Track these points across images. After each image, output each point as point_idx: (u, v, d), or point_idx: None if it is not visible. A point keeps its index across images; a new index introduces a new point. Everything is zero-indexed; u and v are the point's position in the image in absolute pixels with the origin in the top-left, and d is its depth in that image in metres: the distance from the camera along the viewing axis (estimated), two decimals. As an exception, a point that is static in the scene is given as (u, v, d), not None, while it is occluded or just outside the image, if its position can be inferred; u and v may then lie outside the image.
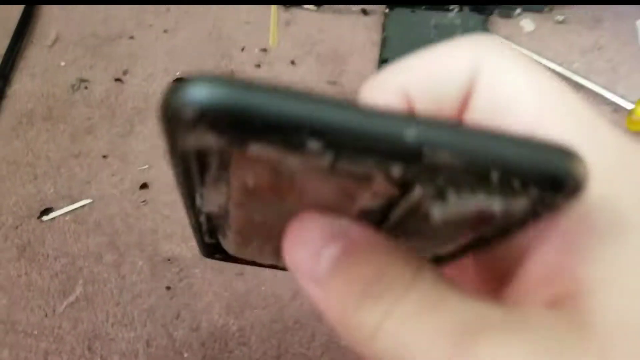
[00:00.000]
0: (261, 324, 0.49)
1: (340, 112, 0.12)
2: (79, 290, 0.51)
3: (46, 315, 0.49)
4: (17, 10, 0.70)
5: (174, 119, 0.12)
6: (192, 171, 0.14)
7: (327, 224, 0.17)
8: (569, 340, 0.14)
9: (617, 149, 0.16)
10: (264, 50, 0.70)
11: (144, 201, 0.56)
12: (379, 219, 0.17)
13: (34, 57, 0.67)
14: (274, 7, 0.74)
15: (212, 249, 0.21)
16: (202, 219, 0.18)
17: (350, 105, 0.12)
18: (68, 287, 0.51)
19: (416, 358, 0.15)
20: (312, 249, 0.17)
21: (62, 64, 0.67)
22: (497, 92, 0.18)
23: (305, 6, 0.75)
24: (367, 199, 0.16)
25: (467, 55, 0.18)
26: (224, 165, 0.14)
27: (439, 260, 0.20)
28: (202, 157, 0.13)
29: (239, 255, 0.22)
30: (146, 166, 0.59)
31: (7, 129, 0.60)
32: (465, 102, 0.18)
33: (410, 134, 0.12)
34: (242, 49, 0.70)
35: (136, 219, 0.55)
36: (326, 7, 0.75)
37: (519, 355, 0.14)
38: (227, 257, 0.22)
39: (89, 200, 0.56)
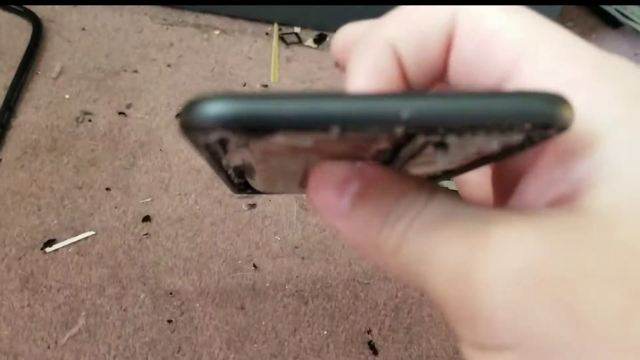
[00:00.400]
0: (261, 359, 0.50)
1: (346, 102, 0.14)
2: (81, 322, 0.51)
3: (49, 347, 0.49)
4: (23, 42, 0.71)
5: (193, 128, 0.14)
6: (215, 151, 0.16)
7: (345, 168, 0.19)
8: (571, 222, 0.16)
9: (596, 63, 0.18)
10: (265, 86, 0.71)
11: (146, 234, 0.57)
12: (389, 158, 0.19)
13: (39, 89, 0.68)
14: (275, 44, 0.75)
15: (243, 187, 0.24)
16: (230, 172, 0.20)
17: (352, 96, 0.15)
18: (70, 319, 0.51)
19: (436, 262, 0.17)
20: (334, 189, 0.19)
21: (67, 96, 0.68)
22: (479, 27, 0.19)
23: (306, 43, 0.76)
24: (374, 149, 0.18)
25: (447, 5, 0.20)
26: (244, 144, 0.16)
27: (448, 174, 0.22)
28: (222, 143, 0.15)
29: (267, 190, 0.25)
30: (149, 199, 0.60)
31: (11, 160, 0.61)
32: (449, 44, 0.20)
33: (405, 113, 0.14)
34: (244, 85, 0.71)
35: (138, 251, 0.56)
36: (326, 44, 0.77)
37: (529, 237, 0.16)
38: (255, 191, 0.25)
39: (92, 232, 0.57)
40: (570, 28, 0.75)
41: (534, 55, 0.18)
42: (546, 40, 0.18)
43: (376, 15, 0.21)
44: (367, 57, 0.20)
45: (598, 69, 0.18)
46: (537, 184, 0.18)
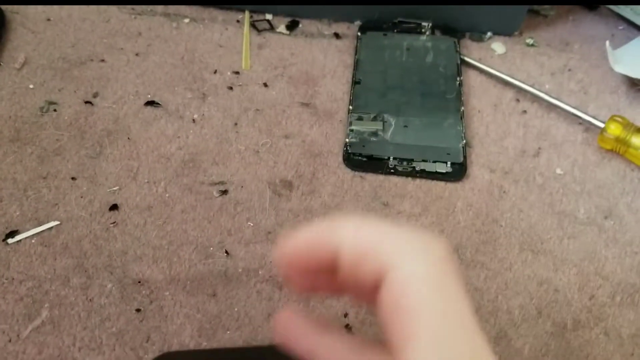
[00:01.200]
0: (234, 345, 0.48)
1: None
2: (44, 314, 0.49)
3: (10, 341, 0.47)
4: (-15, 34, 0.69)
5: None
6: None
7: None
8: None
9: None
10: (237, 73, 0.70)
11: (113, 223, 0.55)
12: None
13: (2, 80, 0.66)
14: (246, 31, 0.74)
15: None
16: None
17: None
18: (33, 311, 0.49)
19: None
20: None
21: (31, 86, 0.66)
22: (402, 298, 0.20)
23: (278, 30, 0.75)
24: None
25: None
26: None
27: None
28: None
29: None
30: (116, 188, 0.58)
31: (-28, 152, 0.59)
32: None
33: None
34: (215, 72, 0.69)
35: (105, 240, 0.54)
36: (299, 30, 0.75)
37: None
38: None
39: (56, 223, 0.54)
40: (546, 11, 0.73)
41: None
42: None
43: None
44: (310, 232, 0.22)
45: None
46: None
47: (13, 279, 0.51)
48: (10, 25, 0.72)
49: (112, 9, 0.76)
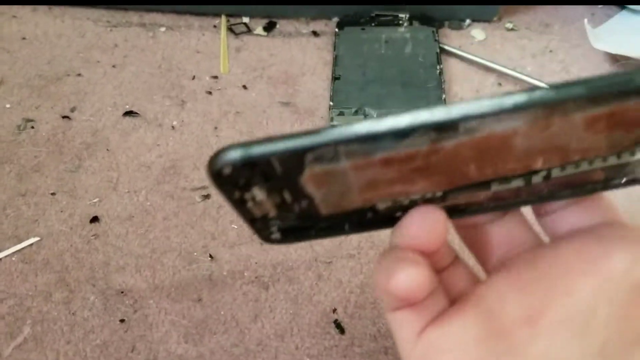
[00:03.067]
0: (222, 349, 0.47)
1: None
2: (26, 330, 0.48)
3: (-8, 360, 0.46)
4: (-41, 57, 0.69)
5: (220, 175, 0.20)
6: (243, 198, 0.22)
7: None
8: None
9: None
10: (215, 77, 0.69)
11: (94, 235, 0.54)
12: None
13: (-22, 101, 0.65)
14: (223, 35, 0.73)
15: (283, 233, 0.25)
16: (269, 219, 0.23)
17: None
18: (15, 329, 0.48)
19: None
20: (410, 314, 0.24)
21: (7, 105, 0.65)
22: None
23: (256, 32, 0.74)
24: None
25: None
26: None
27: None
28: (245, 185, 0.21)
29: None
30: (96, 199, 0.57)
31: (-51, 174, 0.58)
32: None
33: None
34: (193, 78, 0.69)
35: (87, 253, 0.53)
36: (276, 31, 0.74)
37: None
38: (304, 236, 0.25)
39: (36, 239, 0.54)
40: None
41: None
42: None
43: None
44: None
45: None
46: None
47: (-6, 297, 0.50)
48: (-15, 46, 0.72)
49: (88, 23, 0.76)
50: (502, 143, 0.21)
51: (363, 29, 0.73)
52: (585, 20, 0.67)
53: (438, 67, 0.67)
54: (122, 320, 0.48)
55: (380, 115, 0.62)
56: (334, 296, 0.50)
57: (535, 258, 0.24)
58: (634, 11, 0.73)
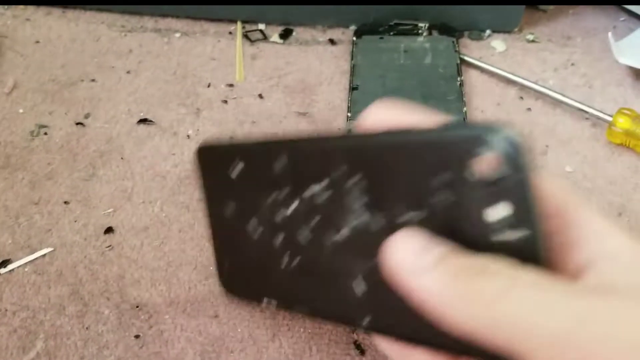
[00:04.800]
0: (239, 369, 0.46)
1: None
2: (39, 345, 0.47)
3: (4, 375, 0.45)
4: (-28, 60, 0.68)
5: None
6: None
7: (422, 235, 0.25)
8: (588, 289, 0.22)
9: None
10: (231, 85, 0.68)
11: (109, 246, 0.53)
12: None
13: (-9, 106, 0.65)
14: (239, 42, 0.72)
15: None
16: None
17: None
18: (28, 343, 0.47)
19: (540, 325, 0.20)
20: (415, 249, 0.24)
21: (21, 111, 0.64)
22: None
23: (272, 39, 0.73)
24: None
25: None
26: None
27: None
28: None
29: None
30: (111, 210, 0.56)
31: (-39, 180, 0.57)
32: None
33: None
34: (208, 86, 0.68)
35: (101, 265, 0.52)
36: (293, 39, 0.73)
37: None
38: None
39: (49, 249, 0.53)
40: (545, 5, 0.71)
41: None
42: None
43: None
44: None
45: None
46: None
47: (6, 310, 0.49)
48: (-2, 49, 0.71)
49: (102, 27, 0.75)
50: None
51: (381, 38, 0.72)
52: (610, 34, 0.66)
53: (459, 78, 0.66)
54: (137, 336, 0.47)
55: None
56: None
57: None
58: (657, 24, 0.72)
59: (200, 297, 0.50)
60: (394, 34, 0.72)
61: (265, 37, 0.74)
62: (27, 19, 0.75)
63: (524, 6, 0.71)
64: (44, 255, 0.52)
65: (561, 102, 0.63)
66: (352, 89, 0.66)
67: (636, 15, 0.75)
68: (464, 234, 0.24)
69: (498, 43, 0.72)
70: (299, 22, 0.75)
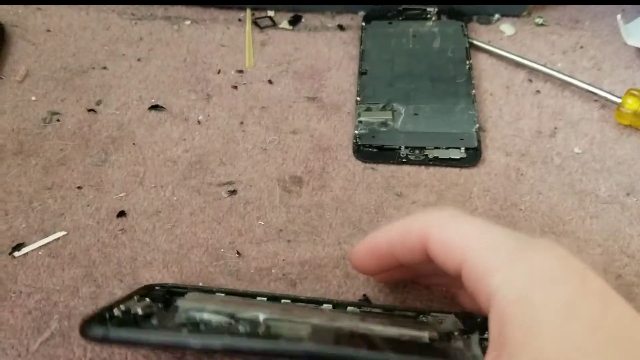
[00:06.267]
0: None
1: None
2: (54, 326, 0.47)
3: (19, 355, 0.46)
4: (-15, 49, 0.69)
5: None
6: None
7: None
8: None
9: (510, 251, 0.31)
10: (241, 71, 0.68)
11: (121, 230, 0.54)
12: None
13: (4, 93, 0.65)
14: (248, 29, 0.72)
15: None
16: None
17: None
18: (42, 324, 0.48)
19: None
20: None
21: (33, 98, 0.65)
22: (441, 236, 0.34)
23: (281, 26, 0.73)
24: None
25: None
26: None
27: None
28: None
29: None
30: (123, 194, 0.56)
31: (-24, 167, 0.58)
32: (424, 242, 0.35)
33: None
34: (218, 72, 0.68)
35: (114, 248, 0.52)
36: (302, 25, 0.73)
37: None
38: None
39: (63, 233, 0.53)
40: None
41: (471, 253, 0.31)
42: (479, 241, 0.31)
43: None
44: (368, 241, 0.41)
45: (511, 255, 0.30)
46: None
47: (21, 292, 0.49)
48: (10, 38, 0.72)
49: (112, 15, 0.75)
50: None
51: (390, 23, 0.72)
52: (619, 16, 0.66)
53: (467, 62, 0.66)
54: (149, 317, 0.48)
55: (408, 112, 0.62)
56: (362, 294, 0.49)
57: None
58: (668, 6, 0.72)
59: (211, 279, 0.50)
60: (403, 19, 0.72)
61: (274, 24, 0.74)
62: (38, 8, 0.76)
63: (533, -10, 0.71)
64: (57, 239, 0.53)
65: (570, 84, 0.63)
66: (361, 73, 0.66)
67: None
68: None
69: (507, 27, 0.72)
70: (307, 8, 0.75)
